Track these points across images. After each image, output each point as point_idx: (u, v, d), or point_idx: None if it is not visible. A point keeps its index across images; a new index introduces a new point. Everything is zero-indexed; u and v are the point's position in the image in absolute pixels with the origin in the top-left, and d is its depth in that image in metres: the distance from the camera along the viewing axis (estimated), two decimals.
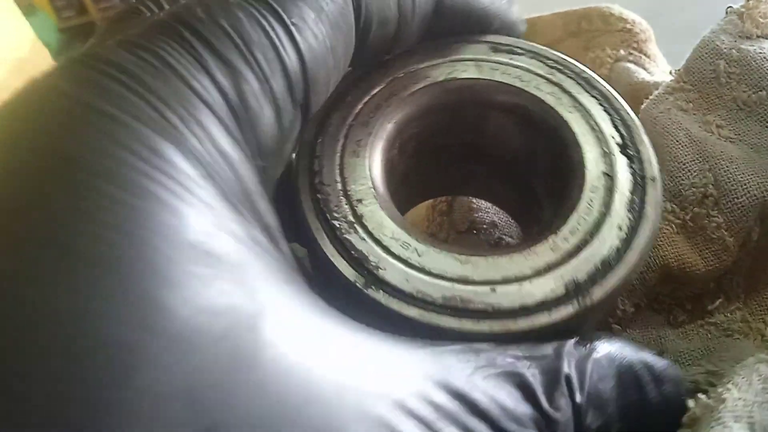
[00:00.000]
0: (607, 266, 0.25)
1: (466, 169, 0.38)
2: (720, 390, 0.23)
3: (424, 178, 0.38)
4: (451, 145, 0.36)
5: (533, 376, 0.22)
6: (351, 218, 0.26)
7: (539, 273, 0.25)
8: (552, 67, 0.31)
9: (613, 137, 0.29)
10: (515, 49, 0.32)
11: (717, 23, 0.41)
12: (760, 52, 0.38)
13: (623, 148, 0.28)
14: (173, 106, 0.18)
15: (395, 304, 0.24)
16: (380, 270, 0.25)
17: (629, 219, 0.26)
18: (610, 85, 0.53)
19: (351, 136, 0.29)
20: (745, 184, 0.32)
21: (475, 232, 0.47)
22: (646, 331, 0.33)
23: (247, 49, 0.20)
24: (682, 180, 0.34)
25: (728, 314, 0.32)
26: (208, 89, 0.19)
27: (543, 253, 0.25)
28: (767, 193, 0.31)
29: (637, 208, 0.26)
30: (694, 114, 0.37)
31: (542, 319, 0.24)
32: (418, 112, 0.31)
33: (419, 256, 0.25)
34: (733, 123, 0.36)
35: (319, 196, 0.27)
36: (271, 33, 0.21)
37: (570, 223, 0.26)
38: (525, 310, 0.24)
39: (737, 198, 0.32)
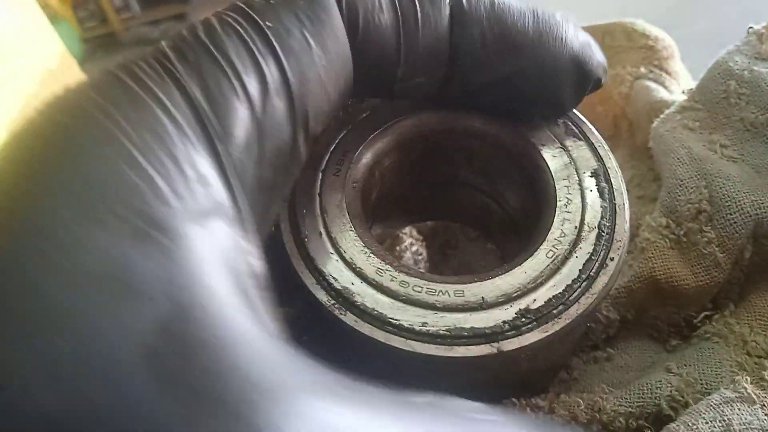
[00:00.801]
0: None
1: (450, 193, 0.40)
2: None
3: (409, 203, 0.40)
4: (431, 175, 0.38)
5: None
6: (330, 248, 0.28)
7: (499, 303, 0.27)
8: None
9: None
10: None
11: (735, 44, 0.41)
12: None
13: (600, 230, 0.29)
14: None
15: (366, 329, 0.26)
16: (355, 295, 0.27)
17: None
18: (630, 102, 0.54)
19: (329, 167, 0.31)
20: (739, 201, 0.32)
21: (482, 239, 0.48)
22: (641, 358, 0.33)
23: (225, 59, 0.23)
24: (679, 196, 0.34)
25: (714, 323, 0.32)
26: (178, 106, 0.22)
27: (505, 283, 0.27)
28: (761, 212, 0.32)
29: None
30: (701, 133, 0.37)
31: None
32: (396, 143, 0.33)
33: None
34: (738, 143, 0.36)
35: (301, 232, 0.28)
36: (250, 42, 0.23)
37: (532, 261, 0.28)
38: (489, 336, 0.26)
39: (730, 214, 0.32)
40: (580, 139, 0.32)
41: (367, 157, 0.32)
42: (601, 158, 0.31)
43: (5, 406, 0.16)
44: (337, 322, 0.26)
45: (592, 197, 0.29)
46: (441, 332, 0.26)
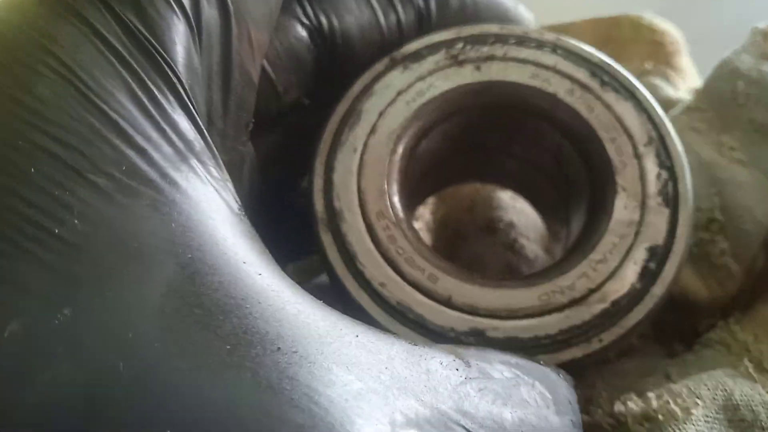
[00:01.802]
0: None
1: (498, 162, 0.39)
2: (688, 401, 0.24)
3: (455, 166, 0.38)
4: (483, 142, 0.36)
5: (540, 395, 0.20)
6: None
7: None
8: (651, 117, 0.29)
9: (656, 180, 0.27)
10: (614, 83, 0.29)
11: (740, 44, 0.41)
12: None
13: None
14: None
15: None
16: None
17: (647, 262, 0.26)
18: None
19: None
20: (751, 210, 0.32)
21: (492, 231, 0.48)
22: (643, 362, 0.33)
23: None
24: None
25: (718, 330, 0.32)
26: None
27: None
28: None
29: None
30: (708, 135, 0.37)
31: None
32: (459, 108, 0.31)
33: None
34: (747, 145, 0.36)
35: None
36: None
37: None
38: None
39: (743, 224, 0.32)
40: (666, 206, 0.27)
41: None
42: (675, 236, 0.26)
43: (25, 378, 0.15)
44: (320, 246, 0.26)
45: (630, 272, 0.26)
46: (392, 303, 0.25)
